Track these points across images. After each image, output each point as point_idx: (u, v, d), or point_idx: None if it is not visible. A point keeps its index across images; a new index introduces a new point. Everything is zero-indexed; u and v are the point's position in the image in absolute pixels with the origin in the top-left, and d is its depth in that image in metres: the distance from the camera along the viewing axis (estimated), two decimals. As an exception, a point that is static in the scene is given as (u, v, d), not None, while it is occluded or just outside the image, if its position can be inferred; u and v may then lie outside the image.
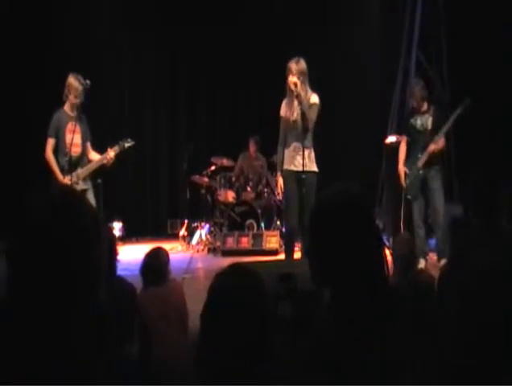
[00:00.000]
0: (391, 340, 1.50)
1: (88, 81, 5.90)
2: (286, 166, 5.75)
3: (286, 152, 5.76)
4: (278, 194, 6.03)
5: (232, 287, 1.67)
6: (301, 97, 5.56)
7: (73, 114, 5.97)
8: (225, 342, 1.58)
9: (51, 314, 1.17)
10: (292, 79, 5.55)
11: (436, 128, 6.35)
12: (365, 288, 1.56)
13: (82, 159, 6.07)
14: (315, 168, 5.75)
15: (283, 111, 5.79)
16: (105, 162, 6.08)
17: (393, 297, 1.63)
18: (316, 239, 1.64)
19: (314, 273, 1.64)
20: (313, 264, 1.64)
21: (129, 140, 6.24)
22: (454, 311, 1.36)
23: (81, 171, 6.00)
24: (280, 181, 5.81)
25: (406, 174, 6.49)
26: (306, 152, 5.63)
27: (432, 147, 6.32)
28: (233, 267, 1.76)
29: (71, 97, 5.93)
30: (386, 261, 1.65)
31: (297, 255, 6.33)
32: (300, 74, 5.58)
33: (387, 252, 1.85)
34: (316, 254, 1.63)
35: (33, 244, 1.19)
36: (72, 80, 5.90)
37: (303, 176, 5.59)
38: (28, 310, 1.17)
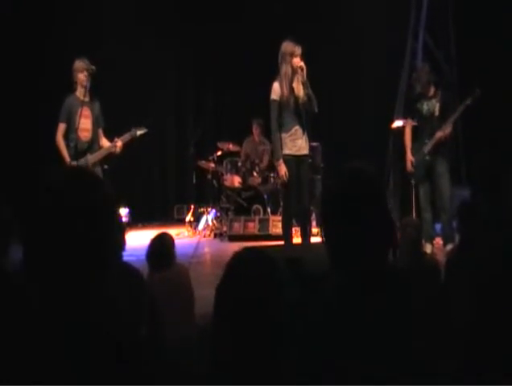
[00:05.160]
0: (398, 320, 1.49)
1: (93, 67, 5.92)
2: (287, 151, 5.60)
3: (286, 136, 5.60)
4: (283, 180, 5.66)
5: (249, 264, 1.68)
6: (307, 82, 5.52)
7: (85, 99, 5.98)
8: (240, 321, 1.58)
9: (63, 290, 1.17)
10: (299, 63, 5.48)
11: (444, 114, 6.30)
12: (375, 269, 1.54)
13: (93, 145, 6.08)
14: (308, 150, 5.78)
15: (278, 94, 5.59)
16: (113, 150, 6.10)
17: (400, 278, 1.62)
18: (332, 219, 1.62)
19: (331, 253, 1.61)
20: (329, 245, 1.61)
21: (141, 127, 6.24)
22: (471, 293, 1.36)
23: (91, 157, 6.02)
24: (284, 168, 5.57)
25: (411, 162, 6.45)
26: (305, 134, 5.64)
27: (439, 134, 6.27)
28: (249, 249, 1.76)
29: (79, 82, 5.94)
30: (396, 242, 1.63)
31: (296, 240, 6.32)
32: (301, 57, 5.53)
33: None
34: (332, 235, 1.61)
35: (46, 219, 1.18)
36: (79, 65, 5.92)
37: (304, 159, 5.64)
38: (40, 287, 1.17)
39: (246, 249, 1.74)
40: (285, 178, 5.60)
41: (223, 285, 1.66)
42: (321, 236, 1.64)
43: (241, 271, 1.66)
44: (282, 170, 5.58)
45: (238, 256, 1.71)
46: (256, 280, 1.62)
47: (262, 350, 1.60)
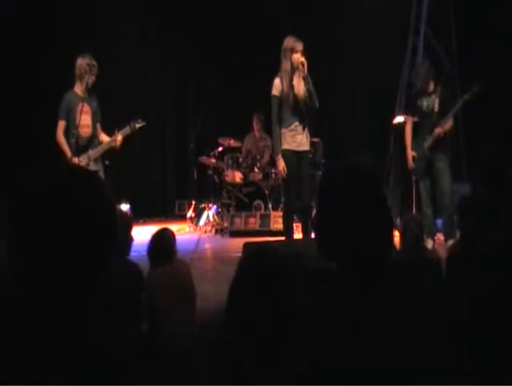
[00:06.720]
0: (397, 313, 1.49)
1: (95, 62, 5.90)
2: (286, 146, 5.61)
3: (286, 131, 5.62)
4: (282, 176, 5.67)
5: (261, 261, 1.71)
6: (308, 77, 5.52)
7: (84, 95, 5.96)
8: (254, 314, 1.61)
9: (60, 291, 1.15)
10: (300, 58, 5.49)
11: (443, 110, 6.29)
12: (371, 260, 1.54)
13: (93, 140, 6.06)
14: (309, 147, 5.80)
15: (279, 89, 5.60)
16: (113, 144, 6.09)
17: (400, 271, 1.62)
18: (325, 211, 1.62)
19: (321, 245, 1.62)
20: (320, 236, 1.61)
21: (139, 120, 6.24)
22: (472, 289, 1.35)
23: (92, 153, 6.01)
24: (282, 163, 5.60)
25: (414, 157, 6.44)
26: (306, 131, 5.63)
27: (438, 130, 6.26)
28: (257, 247, 1.81)
29: (81, 78, 5.92)
30: (393, 235, 1.63)
31: (297, 235, 6.32)
32: (302, 53, 5.52)
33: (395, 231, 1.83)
34: (324, 227, 1.61)
35: (43, 218, 1.16)
36: (82, 62, 5.89)
37: (304, 155, 5.65)
38: (34, 289, 1.15)
39: (255, 247, 1.77)
40: (283, 174, 5.62)
41: (237, 282, 1.68)
42: (313, 227, 1.67)
43: (255, 268, 1.68)
44: (281, 165, 5.60)
45: (251, 255, 1.73)
46: (269, 277, 1.65)
47: (268, 341, 1.61)
